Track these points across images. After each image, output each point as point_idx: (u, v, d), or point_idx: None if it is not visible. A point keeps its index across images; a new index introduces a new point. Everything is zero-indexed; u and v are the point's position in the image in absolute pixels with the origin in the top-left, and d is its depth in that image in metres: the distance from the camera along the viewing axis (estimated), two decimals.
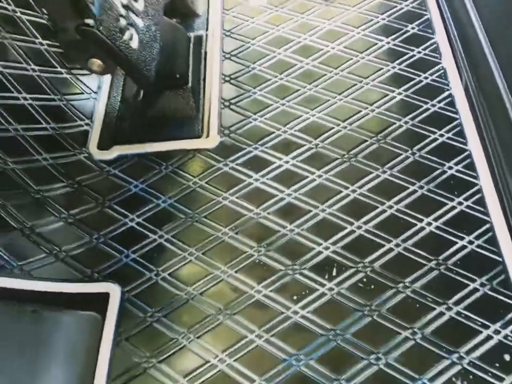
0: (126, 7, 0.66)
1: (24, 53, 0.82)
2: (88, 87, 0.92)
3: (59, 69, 0.87)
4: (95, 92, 0.93)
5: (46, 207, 0.77)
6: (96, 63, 0.65)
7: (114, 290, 0.73)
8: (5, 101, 0.76)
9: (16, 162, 0.75)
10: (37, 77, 0.83)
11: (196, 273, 0.74)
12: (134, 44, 0.66)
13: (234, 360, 0.66)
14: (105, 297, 0.73)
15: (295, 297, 0.70)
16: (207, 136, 0.86)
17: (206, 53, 0.98)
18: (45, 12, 0.68)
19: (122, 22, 0.64)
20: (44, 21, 0.85)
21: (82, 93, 0.91)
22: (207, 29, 1.02)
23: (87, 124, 0.89)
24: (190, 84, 0.89)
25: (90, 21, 0.56)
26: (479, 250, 0.70)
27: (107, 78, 0.96)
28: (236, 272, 0.73)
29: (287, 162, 0.83)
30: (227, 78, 0.94)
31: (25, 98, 0.80)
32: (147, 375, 0.66)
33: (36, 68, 0.83)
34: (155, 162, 0.86)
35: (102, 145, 0.87)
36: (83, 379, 0.65)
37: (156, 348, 0.68)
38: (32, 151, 0.78)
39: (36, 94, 0.82)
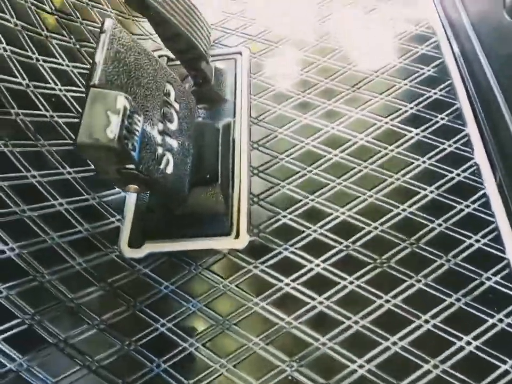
0: (162, 132, 0.68)
1: (60, 157, 0.84)
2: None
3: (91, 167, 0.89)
4: None
5: (79, 315, 0.78)
6: (133, 187, 0.66)
7: None
8: (44, 210, 0.78)
9: (52, 273, 0.76)
10: (71, 179, 0.85)
11: None
12: (170, 169, 0.68)
13: None
14: None
15: None
16: (237, 234, 0.87)
17: (234, 140, 0.99)
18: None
19: (159, 150, 0.66)
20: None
21: (114, 188, 0.93)
22: (234, 115, 1.03)
23: (118, 220, 0.91)
24: (219, 181, 0.89)
25: (131, 166, 0.57)
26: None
27: None
28: None
29: (318, 265, 0.82)
30: (255, 171, 0.94)
31: (60, 204, 0.82)
32: None
33: (71, 170, 0.86)
34: (185, 261, 0.86)
35: (133, 242, 0.88)
36: None
37: None
38: (67, 257, 0.80)
39: (70, 198, 0.84)
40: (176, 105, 0.74)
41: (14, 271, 0.71)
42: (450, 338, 0.72)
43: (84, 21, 1.01)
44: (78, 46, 0.97)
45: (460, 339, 0.71)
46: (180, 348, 0.78)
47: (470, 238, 0.80)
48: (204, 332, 0.78)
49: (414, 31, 1.09)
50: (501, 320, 0.71)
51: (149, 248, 0.88)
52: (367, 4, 1.16)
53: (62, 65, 0.92)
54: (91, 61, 0.61)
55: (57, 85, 0.89)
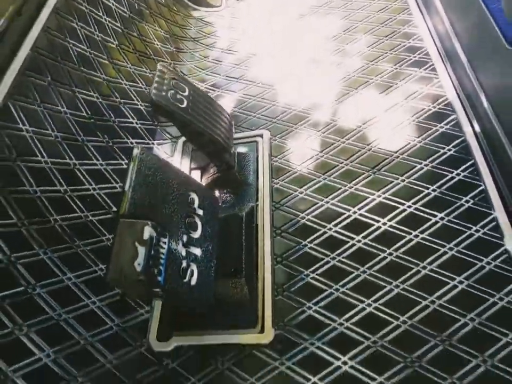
0: (186, 244, 0.71)
1: (92, 255, 0.90)
2: None
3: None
4: None
5: None
6: (157, 299, 0.69)
7: None
8: (76, 312, 0.82)
9: (86, 374, 0.79)
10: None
11: None
12: (194, 280, 0.70)
13: None
14: None
15: None
16: (262, 328, 0.87)
17: (257, 226, 1.01)
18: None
19: (184, 264, 0.69)
20: None
21: None
22: (257, 200, 1.07)
23: (147, 312, 0.93)
24: (244, 273, 0.91)
25: (157, 289, 0.60)
26: None
27: None
28: None
29: (345, 363, 0.80)
30: (279, 259, 0.96)
31: (93, 303, 0.86)
32: None
33: (103, 267, 0.90)
34: (211, 356, 0.87)
35: (161, 335, 0.90)
36: None
37: None
38: (99, 357, 0.82)
39: (102, 295, 0.88)
40: (200, 212, 0.78)
41: (48, 376, 0.74)
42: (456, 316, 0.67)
43: (116, 119, 1.10)
44: (110, 144, 1.05)
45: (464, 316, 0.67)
46: None
47: (470, 228, 0.77)
48: None
49: (432, 108, 1.10)
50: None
51: (177, 341, 0.89)
52: (382, 81, 1.20)
53: (96, 165, 0.99)
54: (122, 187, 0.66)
55: (91, 185, 0.96)
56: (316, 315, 0.87)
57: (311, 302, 0.88)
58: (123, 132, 1.09)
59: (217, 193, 1.09)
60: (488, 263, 0.84)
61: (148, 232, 0.60)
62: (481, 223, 0.89)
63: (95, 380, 0.81)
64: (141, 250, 0.58)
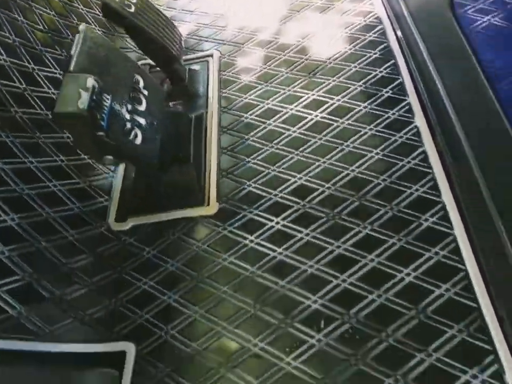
0: (131, 112, 0.82)
1: (55, 148, 0.99)
2: (106, 167, 1.08)
3: (83, 156, 1.03)
4: (112, 171, 1.09)
5: (72, 277, 0.90)
6: (108, 158, 0.80)
7: (130, 349, 0.83)
8: (38, 190, 0.92)
9: (48, 241, 0.89)
10: (65, 166, 1.00)
11: (200, 330, 0.83)
12: (138, 140, 0.81)
13: None
14: (122, 355, 0.83)
15: (287, 349, 0.77)
16: (208, 204, 0.99)
17: (206, 129, 1.12)
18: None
19: (128, 125, 0.80)
20: None
21: (102, 173, 1.07)
22: (206, 107, 1.18)
23: (106, 200, 1.04)
24: (191, 160, 1.02)
25: (101, 133, 0.71)
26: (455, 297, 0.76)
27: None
28: (235, 327, 0.82)
29: (278, 223, 0.93)
30: (224, 150, 1.07)
31: (55, 186, 0.96)
32: None
33: (64, 158, 1.00)
34: (164, 230, 0.98)
35: (119, 218, 1.01)
36: None
37: None
38: (60, 229, 0.93)
39: (64, 180, 0.98)
40: (145, 92, 0.89)
41: (14, 237, 0.84)
42: (392, 272, 0.81)
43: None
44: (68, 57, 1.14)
45: (401, 272, 0.80)
46: (160, 300, 0.89)
47: (410, 188, 0.90)
48: (180, 286, 0.89)
49: (362, 22, 1.23)
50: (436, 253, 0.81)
51: (133, 221, 1.00)
52: (322, 4, 1.31)
53: (55, 73, 1.08)
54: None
55: (50, 89, 1.05)
56: (255, 190, 0.99)
57: (251, 181, 1.01)
58: None
59: (170, 104, 1.20)
60: (401, 137, 0.98)
61: (90, 82, 0.70)
62: (396, 107, 1.02)
63: (58, 248, 0.91)
64: (84, 95, 0.68)
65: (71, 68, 0.72)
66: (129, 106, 0.82)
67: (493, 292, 0.74)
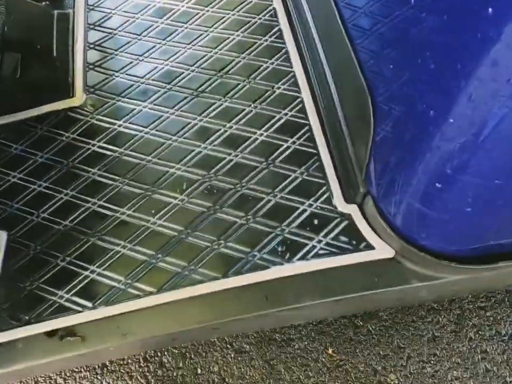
0: None
1: None
2: None
3: None
4: None
5: None
6: None
7: (1, 235, 0.84)
8: None
9: None
10: None
11: (70, 209, 0.86)
12: None
13: (103, 269, 0.78)
14: None
15: (153, 211, 0.83)
16: (74, 95, 0.98)
17: (73, 26, 1.08)
18: None
19: None
20: None
21: None
22: (73, 7, 1.12)
23: None
24: (54, 53, 0.99)
25: None
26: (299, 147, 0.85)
27: None
28: (104, 202, 0.85)
29: (145, 106, 0.95)
30: (92, 46, 1.05)
31: None
32: (32, 294, 0.78)
33: None
34: (31, 125, 0.96)
35: None
36: None
37: (38, 273, 0.79)
38: None
39: None
40: None
41: None
42: (247, 134, 0.88)
43: None
44: None
45: (254, 133, 0.88)
46: (30, 189, 0.89)
47: (265, 62, 0.96)
48: (49, 174, 0.90)
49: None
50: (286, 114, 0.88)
51: None
52: None
53: None
54: None
55: None
56: (122, 80, 0.99)
57: (119, 71, 1.00)
58: None
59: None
60: (278, 88, 1.02)
61: None
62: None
63: None
64: None
65: None
66: None
67: (330, 139, 0.83)
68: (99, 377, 1.16)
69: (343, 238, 0.73)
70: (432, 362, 1.16)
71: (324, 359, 1.16)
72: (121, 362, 1.18)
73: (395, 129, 0.62)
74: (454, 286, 0.71)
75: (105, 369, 1.17)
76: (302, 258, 0.73)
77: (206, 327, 0.72)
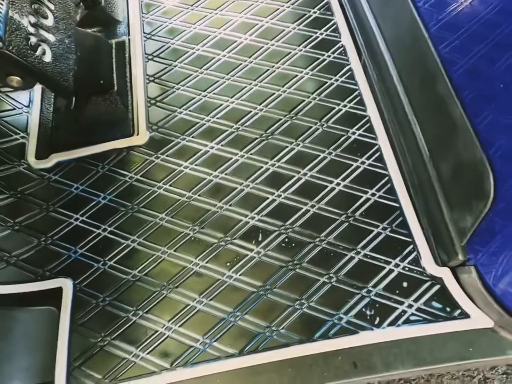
0: (35, 25, 0.73)
1: None
2: (19, 102, 0.97)
3: None
4: (27, 106, 0.98)
5: (3, 217, 0.83)
6: (15, 79, 0.71)
7: (66, 284, 0.80)
8: None
9: None
10: None
11: (139, 257, 0.82)
12: (47, 58, 0.73)
13: (179, 326, 0.75)
14: (58, 291, 0.80)
15: (228, 264, 0.79)
16: (137, 133, 0.94)
17: (129, 56, 1.04)
18: None
19: (33, 39, 0.71)
20: None
21: (14, 109, 0.96)
22: (128, 34, 1.08)
23: (22, 137, 0.95)
24: (115, 88, 0.95)
25: None
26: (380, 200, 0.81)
27: (37, 91, 1.01)
28: (175, 250, 0.82)
29: (212, 147, 0.91)
30: (151, 78, 1.01)
31: None
32: (104, 351, 0.74)
33: None
34: (92, 164, 0.92)
35: (40, 155, 0.93)
36: (45, 364, 0.72)
37: (109, 327, 0.76)
38: None
39: None
40: (51, 6, 0.79)
41: None
42: (323, 183, 0.84)
43: None
44: None
45: (331, 182, 0.84)
46: (94, 234, 0.85)
47: (338, 105, 0.92)
48: (114, 217, 0.86)
49: None
50: (363, 163, 0.85)
51: (57, 157, 0.93)
52: None
53: None
54: None
55: None
56: (186, 117, 0.95)
57: (181, 107, 0.97)
58: None
59: (88, 31, 1.09)
60: (328, 56, 0.99)
61: None
62: (324, 27, 1.02)
63: None
64: None
65: None
66: (32, 19, 0.72)
67: (412, 191, 0.80)
68: None
69: (435, 304, 0.70)
70: None
71: None
72: None
73: None
74: None
75: None
76: (393, 324, 0.70)
77: None
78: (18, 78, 0.72)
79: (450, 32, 0.81)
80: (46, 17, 0.76)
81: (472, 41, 0.68)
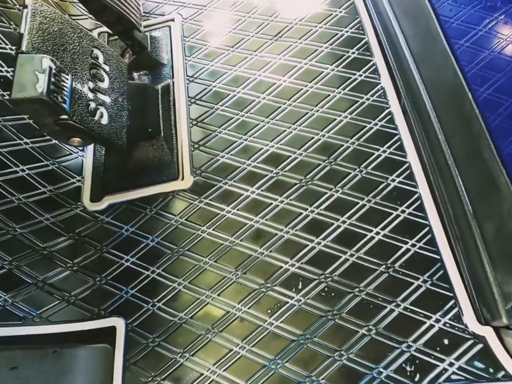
0: (93, 90, 0.79)
1: (15, 129, 0.95)
2: (75, 147, 1.06)
3: (47, 137, 1.00)
4: (82, 150, 1.06)
5: (53, 260, 0.91)
6: (76, 140, 0.78)
7: (119, 323, 0.87)
8: (6, 176, 0.90)
9: (23, 227, 0.89)
10: (30, 149, 0.97)
11: (185, 300, 0.87)
12: (104, 120, 0.79)
13: (223, 370, 0.79)
14: (112, 330, 0.86)
15: (269, 311, 0.83)
16: (182, 178, 0.99)
17: (174, 99, 1.10)
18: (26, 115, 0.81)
19: (92, 105, 0.77)
20: None
21: (71, 153, 1.04)
22: (172, 77, 1.14)
23: (78, 180, 1.02)
24: (162, 134, 1.01)
25: (64, 116, 0.69)
26: (420, 251, 0.82)
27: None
28: (218, 295, 0.86)
29: (253, 192, 0.95)
30: (194, 122, 1.06)
31: (22, 170, 0.93)
32: None
33: (28, 140, 0.97)
34: (140, 206, 0.98)
35: (94, 198, 1.01)
36: None
37: (159, 368, 0.81)
38: (34, 214, 0.92)
39: (31, 164, 0.95)
40: (106, 67, 0.85)
41: None
42: (363, 232, 0.86)
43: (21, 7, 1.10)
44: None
45: (370, 231, 0.85)
46: (143, 276, 0.91)
47: (378, 150, 0.93)
48: (162, 260, 0.92)
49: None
50: (403, 212, 0.86)
51: (109, 200, 1.00)
52: None
53: (6, 48, 1.01)
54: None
55: (3, 67, 0.99)
56: (228, 161, 1.00)
57: (223, 151, 1.01)
58: None
59: (135, 75, 1.16)
60: (367, 99, 0.99)
61: (46, 63, 0.67)
62: (363, 68, 1.03)
63: (34, 233, 0.91)
64: (41, 77, 0.65)
65: (23, 48, 0.68)
66: (91, 84, 0.79)
67: (453, 244, 0.80)
68: None
69: (478, 364, 0.70)
70: None
71: None
72: None
73: None
74: None
75: None
76: (433, 381, 0.71)
77: None
78: (78, 139, 0.78)
79: (489, 75, 0.81)
80: (102, 80, 0.83)
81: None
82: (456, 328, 0.74)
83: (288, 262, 0.86)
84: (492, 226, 0.69)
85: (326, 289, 0.82)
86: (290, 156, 0.97)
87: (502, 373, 0.69)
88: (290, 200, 0.92)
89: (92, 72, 0.81)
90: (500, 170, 0.71)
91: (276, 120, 1.02)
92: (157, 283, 0.90)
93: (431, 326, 0.75)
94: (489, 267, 0.69)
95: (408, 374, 0.72)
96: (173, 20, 1.24)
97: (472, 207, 0.75)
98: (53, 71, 0.67)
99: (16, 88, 0.64)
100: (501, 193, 0.66)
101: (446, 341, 0.73)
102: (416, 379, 0.72)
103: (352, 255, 0.84)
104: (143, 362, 0.83)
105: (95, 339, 0.86)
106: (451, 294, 0.76)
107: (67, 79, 0.70)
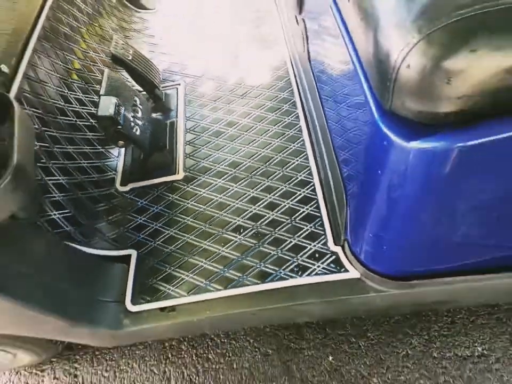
0: (133, 117, 1.46)
1: (85, 143, 1.61)
2: (113, 154, 1.71)
3: (100, 147, 1.66)
4: (117, 156, 1.71)
5: (99, 215, 1.51)
6: (121, 143, 1.43)
7: (133, 253, 1.44)
8: (76, 164, 1.53)
9: (83, 194, 1.50)
10: (89, 153, 1.61)
11: (178, 238, 1.46)
12: (138, 132, 1.45)
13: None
14: (129, 256, 1.44)
15: (222, 244, 1.42)
16: (178, 173, 1.63)
17: (176, 129, 1.78)
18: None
19: (132, 124, 1.44)
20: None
21: (111, 158, 1.69)
22: (176, 116, 1.83)
23: (114, 174, 1.66)
24: (167, 148, 1.67)
25: (119, 127, 1.34)
26: (311, 212, 1.44)
27: (123, 149, 1.74)
28: (196, 236, 1.45)
29: (224, 179, 1.58)
30: (188, 142, 1.73)
31: (85, 164, 1.57)
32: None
33: (88, 148, 1.62)
34: (151, 189, 1.61)
35: (122, 183, 1.64)
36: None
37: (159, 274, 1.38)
38: (89, 189, 1.54)
39: (90, 161, 1.60)
40: (140, 106, 1.53)
41: (64, 189, 1.45)
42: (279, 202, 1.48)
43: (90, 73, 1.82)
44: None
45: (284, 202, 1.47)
46: (150, 227, 1.50)
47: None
48: (163, 219, 1.52)
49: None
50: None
51: (131, 185, 1.63)
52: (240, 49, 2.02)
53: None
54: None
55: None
56: (207, 165, 1.64)
57: (204, 160, 1.66)
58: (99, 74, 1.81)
59: (153, 115, 1.85)
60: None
61: (114, 100, 1.34)
62: None
63: (89, 199, 1.52)
64: (111, 106, 1.32)
65: (103, 92, 1.37)
66: (132, 113, 1.46)
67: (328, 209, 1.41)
68: (163, 365, 1.69)
69: (332, 265, 1.28)
70: (405, 372, 1.62)
71: (325, 364, 1.65)
72: (179, 355, 1.71)
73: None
74: (396, 297, 1.22)
75: (167, 360, 1.70)
76: (309, 275, 1.28)
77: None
78: (123, 142, 1.44)
79: None
80: (138, 112, 1.50)
81: None
82: (323, 248, 1.33)
83: (236, 219, 1.47)
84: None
85: (256, 232, 1.42)
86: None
87: (343, 269, 1.27)
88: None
89: (132, 107, 1.49)
90: None
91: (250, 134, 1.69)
92: (159, 231, 1.49)
93: (311, 248, 1.34)
94: (338, 212, 1.31)
95: (296, 271, 1.30)
96: (179, 84, 1.96)
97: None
98: (117, 104, 1.35)
99: (100, 110, 1.31)
100: None
101: (317, 255, 1.32)
102: (299, 274, 1.29)
103: (273, 215, 1.45)
104: (148, 270, 1.40)
105: (118, 260, 1.43)
106: (323, 232, 1.36)
107: (122, 109, 1.38)
